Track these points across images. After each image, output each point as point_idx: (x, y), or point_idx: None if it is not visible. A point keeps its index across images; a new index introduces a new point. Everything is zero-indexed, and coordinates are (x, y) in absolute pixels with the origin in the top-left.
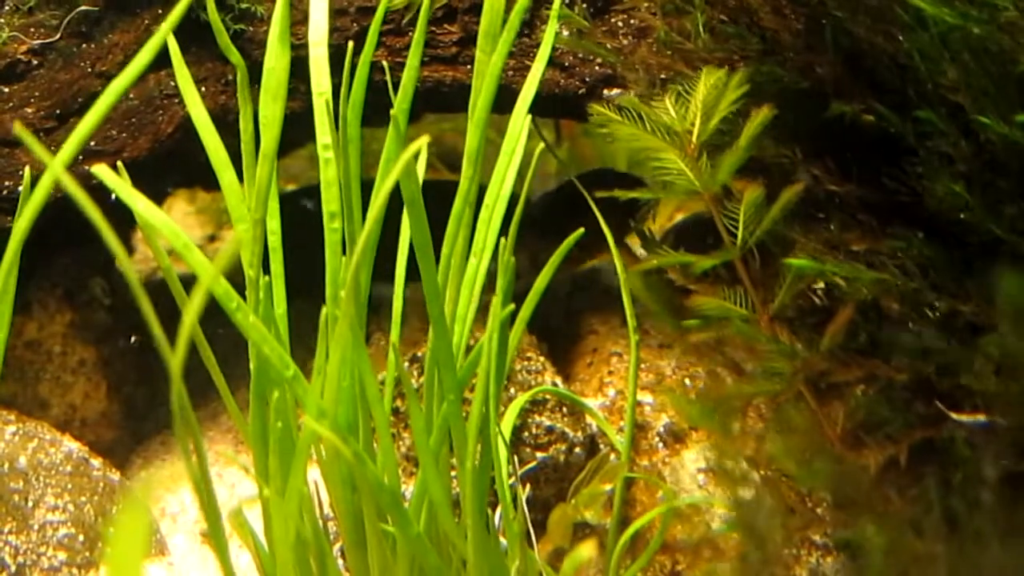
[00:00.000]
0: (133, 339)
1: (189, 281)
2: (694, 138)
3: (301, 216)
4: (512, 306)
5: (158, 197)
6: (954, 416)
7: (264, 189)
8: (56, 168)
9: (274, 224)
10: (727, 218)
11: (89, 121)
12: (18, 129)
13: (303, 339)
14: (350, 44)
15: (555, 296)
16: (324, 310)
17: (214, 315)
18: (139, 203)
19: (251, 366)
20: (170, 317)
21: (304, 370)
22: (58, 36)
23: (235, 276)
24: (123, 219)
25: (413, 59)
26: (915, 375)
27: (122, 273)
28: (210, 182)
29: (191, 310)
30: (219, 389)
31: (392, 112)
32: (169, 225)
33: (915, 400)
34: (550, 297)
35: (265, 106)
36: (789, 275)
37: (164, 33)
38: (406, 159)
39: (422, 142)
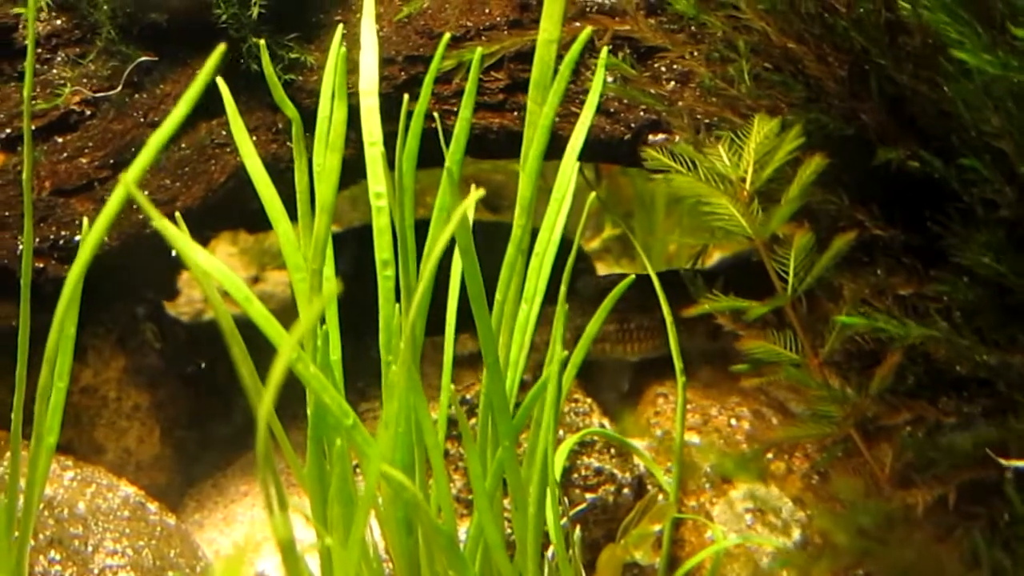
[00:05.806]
0: (203, 365)
1: (238, 321)
2: (748, 186)
3: (345, 257)
4: (566, 352)
5: (203, 241)
6: (1003, 462)
7: (322, 241)
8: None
9: (328, 272)
10: (776, 262)
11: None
12: (147, 207)
13: (351, 381)
14: (405, 97)
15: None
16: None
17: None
18: (199, 255)
19: (308, 412)
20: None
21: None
22: (112, 87)
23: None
24: (171, 263)
25: (465, 111)
26: (962, 417)
27: (171, 319)
28: (254, 225)
29: (273, 380)
30: (275, 434)
31: (447, 165)
32: (229, 276)
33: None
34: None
35: (321, 156)
36: (839, 323)
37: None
38: (463, 211)
39: (478, 195)
